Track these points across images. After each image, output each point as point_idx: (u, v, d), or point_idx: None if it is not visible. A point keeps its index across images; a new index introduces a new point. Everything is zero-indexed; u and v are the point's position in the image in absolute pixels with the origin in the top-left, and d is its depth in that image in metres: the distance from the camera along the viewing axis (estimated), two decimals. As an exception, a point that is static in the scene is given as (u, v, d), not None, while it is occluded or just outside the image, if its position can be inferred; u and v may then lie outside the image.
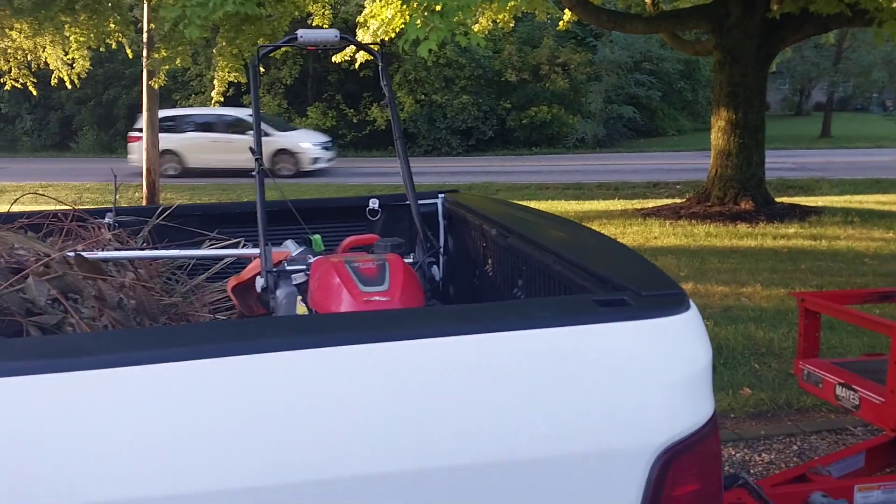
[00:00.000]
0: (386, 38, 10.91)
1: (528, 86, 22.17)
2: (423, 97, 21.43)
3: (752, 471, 3.35)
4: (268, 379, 1.01)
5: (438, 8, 4.53)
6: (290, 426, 1.00)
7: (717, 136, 9.52)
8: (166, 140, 15.41)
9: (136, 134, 15.94)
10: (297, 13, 11.91)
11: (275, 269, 2.13)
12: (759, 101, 9.41)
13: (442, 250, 2.68)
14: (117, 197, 2.83)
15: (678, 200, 10.82)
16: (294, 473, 1.00)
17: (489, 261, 2.19)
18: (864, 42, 25.10)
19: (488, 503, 1.06)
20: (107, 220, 2.58)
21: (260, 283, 2.14)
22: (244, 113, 17.69)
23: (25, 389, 0.96)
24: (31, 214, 2.48)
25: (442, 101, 21.54)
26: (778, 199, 10.12)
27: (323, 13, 12.16)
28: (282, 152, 16.78)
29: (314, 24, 12.38)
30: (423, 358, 1.06)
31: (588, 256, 1.55)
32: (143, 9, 11.83)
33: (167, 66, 11.73)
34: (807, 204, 10.29)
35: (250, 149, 2.41)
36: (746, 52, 9.10)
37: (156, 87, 12.03)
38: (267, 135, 16.25)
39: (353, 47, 11.13)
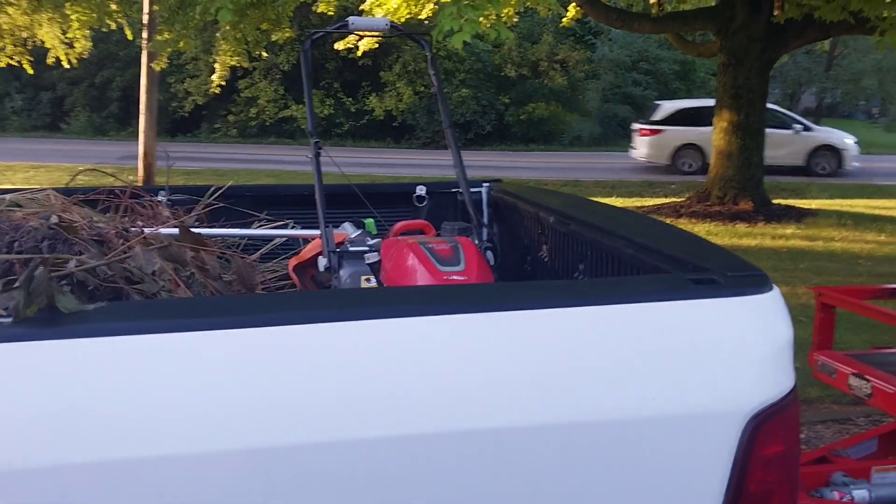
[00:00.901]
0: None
1: (526, 81, 22.25)
2: (422, 89, 21.45)
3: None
4: (452, 338, 1.13)
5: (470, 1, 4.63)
6: (445, 380, 1.11)
7: (719, 136, 9.67)
8: (688, 133, 15.02)
9: (648, 127, 15.66)
10: (302, -1, 11.90)
11: (338, 250, 2.22)
12: (760, 103, 9.58)
13: (495, 237, 2.77)
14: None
15: (677, 199, 10.98)
16: (434, 425, 1.10)
17: (543, 247, 2.28)
18: (856, 49, 25.42)
19: (602, 456, 1.16)
20: (160, 197, 2.65)
21: (322, 262, 2.23)
22: (776, 106, 16.62)
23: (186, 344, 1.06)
24: (85, 190, 2.54)
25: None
26: (774, 201, 10.30)
27: (328, 0, 12.20)
28: (823, 148, 15.93)
29: (319, 10, 12.42)
30: (549, 325, 1.17)
31: (659, 240, 1.66)
32: (143, -10, 11.81)
33: (170, 49, 11.72)
34: (802, 206, 10.48)
35: (308, 132, 2.50)
36: (750, 55, 9.26)
37: (157, 69, 12.02)
38: (808, 129, 15.73)
39: (352, 35, 11.20)
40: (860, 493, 2.46)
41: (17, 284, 1.10)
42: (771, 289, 1.31)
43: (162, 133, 17.62)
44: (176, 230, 1.88)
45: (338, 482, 1.07)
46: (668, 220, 9.29)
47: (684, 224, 9.14)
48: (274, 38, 12.41)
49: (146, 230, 1.90)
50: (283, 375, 1.07)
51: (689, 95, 26.85)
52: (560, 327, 1.18)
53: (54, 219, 1.68)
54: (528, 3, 11.30)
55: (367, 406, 1.08)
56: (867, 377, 2.96)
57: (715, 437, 1.20)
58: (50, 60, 13.02)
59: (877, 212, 10.62)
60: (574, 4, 11.13)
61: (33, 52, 12.90)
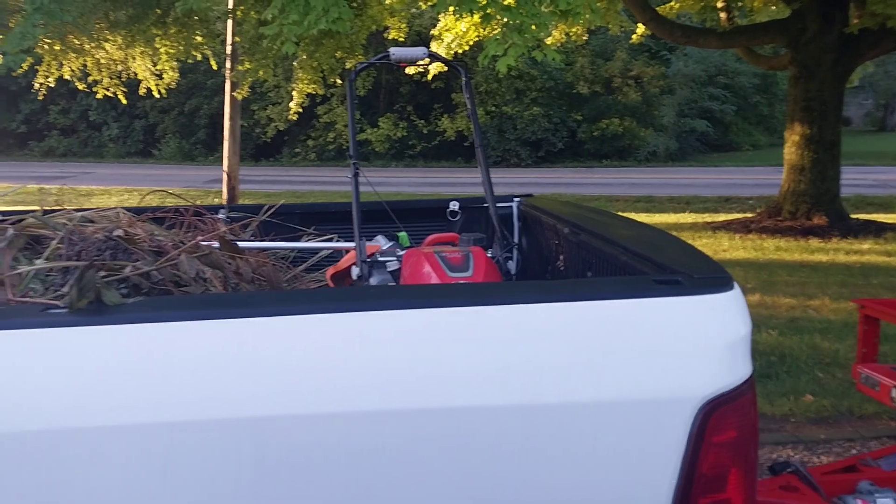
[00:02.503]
0: (460, 51, 11.25)
1: (599, 98, 22.23)
2: (493, 109, 21.72)
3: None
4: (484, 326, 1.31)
5: (516, 23, 4.79)
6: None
7: (791, 150, 9.49)
8: None
9: None
10: (374, 27, 12.34)
11: (368, 260, 2.42)
12: (834, 116, 9.36)
13: (516, 248, 2.93)
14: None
15: (749, 215, 10.80)
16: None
17: (561, 256, 2.43)
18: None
19: (565, 436, 1.30)
20: (220, 215, 2.93)
21: (355, 271, 2.43)
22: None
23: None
24: (154, 209, 2.83)
25: (512, 112, 21.78)
26: (853, 216, 10.01)
27: (399, 27, 12.56)
28: None
29: (390, 37, 12.81)
30: (527, 318, 1.33)
31: (650, 248, 1.79)
32: (226, 23, 12.44)
33: (251, 78, 12.31)
34: (884, 220, 10.14)
35: (349, 154, 2.72)
36: (823, 66, 9.08)
37: (239, 97, 12.64)
38: None
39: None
40: (885, 500, 2.47)
41: (70, 282, 1.33)
42: (732, 289, 1.42)
43: (246, 158, 18.42)
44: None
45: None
46: (737, 236, 9.16)
47: (753, 240, 8.99)
48: (348, 65, 12.89)
49: (191, 242, 2.15)
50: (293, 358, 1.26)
51: (770, 108, 26.28)
52: (534, 320, 1.33)
53: (119, 232, 1.93)
54: (598, 23, 11.38)
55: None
56: (910, 390, 2.96)
57: (669, 421, 1.32)
58: (142, 91, 13.84)
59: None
60: (640, 26, 11.17)
61: (126, 84, 13.76)
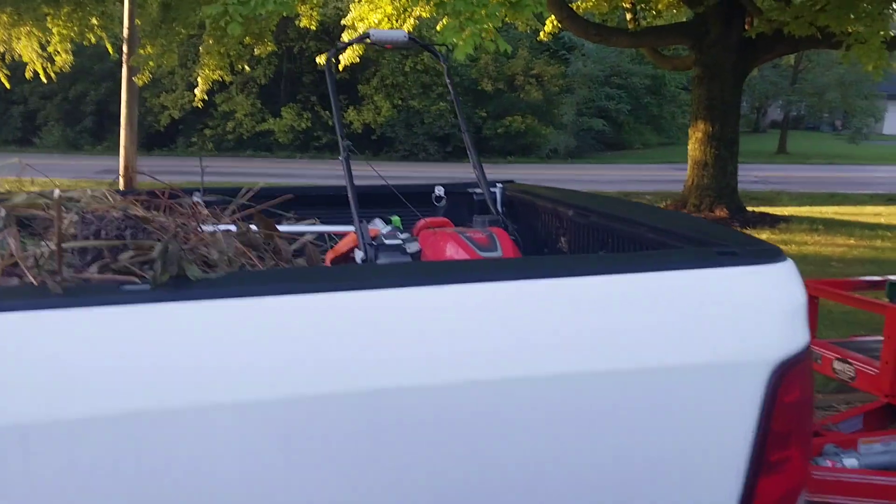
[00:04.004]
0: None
1: (503, 95, 22.61)
2: (400, 102, 21.71)
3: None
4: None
5: (476, 14, 4.83)
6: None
7: (695, 147, 10.00)
8: None
9: None
10: (284, 13, 12.13)
11: (374, 243, 2.40)
12: (734, 115, 9.93)
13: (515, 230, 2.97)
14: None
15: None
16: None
17: (562, 239, 2.49)
18: (819, 64, 26.17)
19: (650, 401, 1.36)
20: (195, 198, 2.81)
21: (359, 255, 2.40)
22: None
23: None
24: (124, 192, 2.69)
25: (420, 106, 21.84)
26: (749, 209, 10.65)
27: (311, 15, 12.37)
28: None
29: (302, 24, 12.60)
30: (607, 288, 1.37)
31: (675, 224, 1.87)
32: (124, 4, 11.86)
33: (153, 63, 11.80)
34: (776, 213, 10.84)
35: (340, 137, 2.69)
36: (724, 68, 9.60)
37: (140, 83, 12.09)
38: None
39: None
40: (850, 461, 2.70)
41: (154, 256, 1.27)
42: (785, 259, 1.52)
43: (138, 147, 17.63)
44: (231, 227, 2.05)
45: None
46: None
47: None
48: (257, 52, 12.57)
49: (206, 227, 2.07)
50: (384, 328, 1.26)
51: (659, 109, 27.49)
52: (616, 291, 1.38)
53: (131, 211, 1.84)
54: (507, 18, 11.57)
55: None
56: (850, 361, 3.20)
57: (749, 382, 1.40)
58: (28, 74, 13.01)
59: (846, 217, 11.03)
60: (552, 19, 11.42)
61: (9, 67, 12.90)
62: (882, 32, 7.84)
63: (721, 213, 9.83)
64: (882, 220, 10.80)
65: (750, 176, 18.55)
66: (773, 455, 1.43)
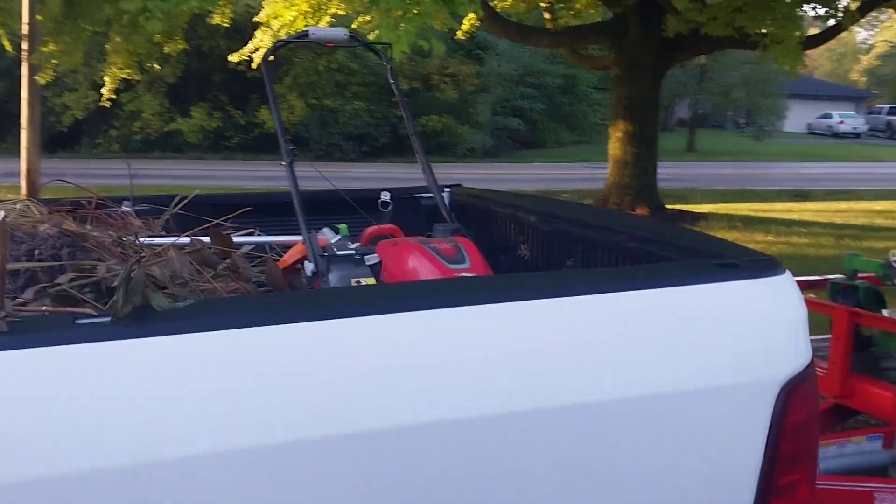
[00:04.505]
0: (290, 41, 10.87)
1: (419, 95, 22.51)
2: (314, 101, 21.31)
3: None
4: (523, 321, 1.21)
5: (410, 13, 4.71)
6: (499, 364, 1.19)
7: (615, 146, 10.14)
8: None
9: None
10: (208, 9, 11.70)
11: (325, 254, 2.24)
12: (653, 114, 10.13)
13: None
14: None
15: (576, 207, 11.40)
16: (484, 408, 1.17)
17: (522, 245, 2.38)
18: (725, 64, 27.18)
19: (655, 428, 1.26)
20: (125, 207, 2.58)
21: (309, 267, 2.23)
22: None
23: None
24: (49, 202, 2.44)
25: (334, 105, 21.51)
26: (667, 206, 10.89)
27: (223, 12, 11.99)
28: None
29: (214, 22, 12.19)
30: (599, 308, 1.26)
31: (656, 232, 1.79)
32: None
33: (55, 61, 11.15)
34: (693, 210, 11.12)
35: (284, 139, 2.51)
36: (643, 67, 9.77)
37: (42, 81, 11.40)
38: None
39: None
40: None
41: (115, 284, 1.10)
42: (785, 271, 1.45)
43: (40, 149, 16.67)
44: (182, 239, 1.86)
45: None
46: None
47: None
48: (167, 50, 12.04)
49: (146, 239, 1.87)
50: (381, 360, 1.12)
51: (572, 108, 27.97)
52: (606, 309, 1.27)
53: (68, 226, 1.63)
54: (479, 12, 11.44)
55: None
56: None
57: (756, 403, 1.32)
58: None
59: (761, 214, 11.42)
60: (469, 17, 11.39)
61: None
62: (798, 33, 8.11)
63: (642, 210, 10.00)
64: (795, 217, 11.23)
65: (662, 174, 19.08)
66: (781, 479, 1.36)
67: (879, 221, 10.92)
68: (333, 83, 21.74)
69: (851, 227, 10.20)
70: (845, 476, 2.77)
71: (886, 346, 3.33)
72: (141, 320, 1.06)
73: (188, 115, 21.65)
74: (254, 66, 11.99)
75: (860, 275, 3.70)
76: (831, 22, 9.10)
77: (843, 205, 13.57)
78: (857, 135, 38.20)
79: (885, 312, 3.42)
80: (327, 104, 21.56)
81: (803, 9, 9.00)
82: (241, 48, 11.46)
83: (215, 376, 1.05)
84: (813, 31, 10.32)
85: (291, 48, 13.40)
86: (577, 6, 11.14)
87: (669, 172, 19.60)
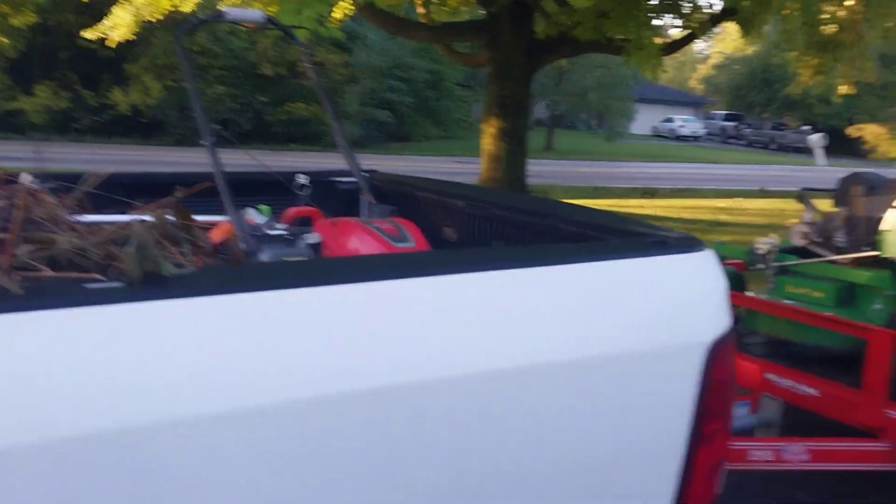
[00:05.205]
0: (153, 20, 10.49)
1: (285, 81, 22.08)
2: (172, 84, 20.38)
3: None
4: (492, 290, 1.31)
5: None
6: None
7: (489, 142, 10.46)
8: None
9: None
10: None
11: (256, 234, 2.25)
12: (523, 112, 10.52)
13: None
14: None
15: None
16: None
17: (447, 229, 2.49)
18: (581, 66, 28.50)
19: (604, 386, 1.41)
20: (34, 184, 2.47)
21: (241, 246, 2.24)
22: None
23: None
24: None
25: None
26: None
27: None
28: None
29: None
30: (551, 279, 1.39)
31: (589, 216, 1.96)
32: None
33: None
34: (559, 205, 11.63)
35: (204, 120, 2.49)
36: (515, 66, 10.12)
37: None
38: None
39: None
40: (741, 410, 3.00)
41: (128, 249, 1.12)
42: (706, 248, 1.66)
43: None
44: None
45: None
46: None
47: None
48: (16, 22, 11.21)
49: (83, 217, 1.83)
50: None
51: (439, 104, 28.36)
52: (557, 282, 1.41)
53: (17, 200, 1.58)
54: (381, 3, 11.26)
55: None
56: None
57: (687, 364, 1.51)
58: None
59: (616, 209, 12.12)
60: (342, 6, 11.32)
61: None
62: (658, 40, 8.70)
63: (512, 204, 10.37)
64: (647, 212, 12.02)
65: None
66: (707, 428, 1.56)
67: (723, 217, 11.91)
68: (194, 66, 20.89)
69: (699, 223, 11.07)
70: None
71: (751, 323, 3.74)
72: (152, 285, 1.10)
73: (32, 93, 20.12)
74: (109, 43, 11.38)
75: (727, 261, 4.11)
76: (675, 31, 9.85)
77: (689, 202, 14.65)
78: (696, 138, 41.23)
79: (748, 293, 3.83)
80: (187, 87, 20.65)
81: (662, 18, 9.68)
82: (94, 25, 10.86)
83: (226, 338, 1.10)
84: (666, 39, 11.07)
85: (148, 27, 12.75)
86: (451, 3, 11.37)
87: (531, 169, 20.26)
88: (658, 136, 41.84)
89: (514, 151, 10.41)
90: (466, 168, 17.20)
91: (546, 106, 31.41)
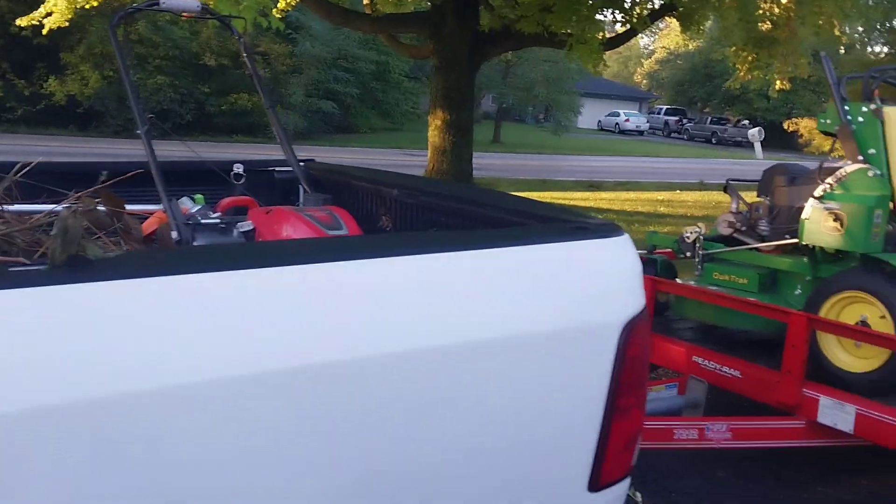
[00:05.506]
0: (87, 6, 10.27)
1: (228, 72, 21.74)
2: (111, 73, 19.89)
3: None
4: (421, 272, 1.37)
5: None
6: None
7: (434, 134, 10.51)
8: None
9: None
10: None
11: (189, 222, 2.27)
12: (468, 104, 10.59)
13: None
14: None
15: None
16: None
17: (383, 217, 2.54)
18: (527, 60, 28.74)
19: (528, 361, 1.48)
20: None
21: (174, 235, 2.25)
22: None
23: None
24: None
25: (135, 79, 20.15)
26: (480, 193, 11.42)
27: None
28: None
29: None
30: (477, 262, 1.46)
31: (516, 204, 2.04)
32: None
33: None
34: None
35: (138, 110, 2.49)
36: (459, 59, 10.19)
37: None
38: None
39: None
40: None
41: (53, 233, 1.14)
42: (623, 233, 1.74)
43: None
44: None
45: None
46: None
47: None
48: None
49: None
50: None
51: (384, 95, 28.27)
52: (484, 265, 1.48)
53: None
54: None
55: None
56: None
57: (604, 341, 1.59)
58: None
59: (561, 202, 12.30)
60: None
61: None
62: (600, 35, 8.86)
63: (458, 196, 10.45)
64: (591, 205, 12.24)
65: (473, 163, 19.94)
66: (621, 402, 1.64)
67: (662, 209, 12.20)
68: (134, 55, 20.43)
69: (639, 214, 11.32)
70: (649, 417, 3.22)
71: (680, 309, 3.88)
72: (76, 268, 1.12)
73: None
74: (44, 31, 11.08)
75: (658, 250, 4.25)
76: (619, 27, 10.03)
77: (631, 195, 14.96)
78: (640, 132, 41.95)
79: (677, 280, 3.97)
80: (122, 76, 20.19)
81: (604, 12, 9.86)
82: (27, 12, 10.57)
83: (146, 318, 1.13)
84: (605, 34, 11.26)
85: (84, 15, 12.42)
86: (396, -6, 11.37)
87: (478, 162, 20.36)
88: (604, 130, 42.47)
89: (459, 144, 10.48)
90: (414, 160, 17.23)
91: (494, 99, 31.59)
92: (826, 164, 3.49)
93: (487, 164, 20.20)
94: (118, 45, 2.64)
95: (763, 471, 3.40)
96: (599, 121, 42.91)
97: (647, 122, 43.69)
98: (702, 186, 17.35)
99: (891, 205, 3.32)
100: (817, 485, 3.35)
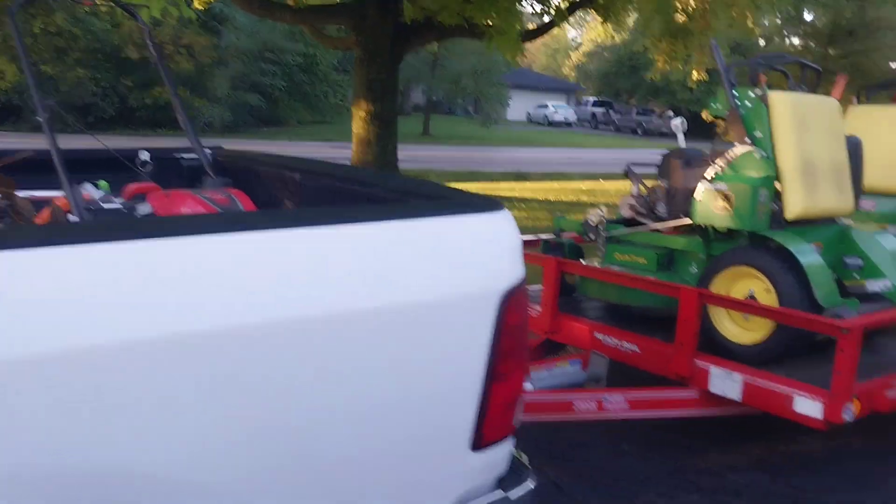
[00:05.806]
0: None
1: (151, 65, 21.19)
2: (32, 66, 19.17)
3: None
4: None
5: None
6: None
7: (358, 125, 10.52)
8: None
9: None
10: None
11: (91, 207, 2.28)
12: (391, 96, 10.63)
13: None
14: None
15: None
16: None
17: (286, 200, 2.60)
18: (455, 53, 28.89)
19: (393, 337, 1.56)
20: None
21: (74, 220, 2.26)
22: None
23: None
24: None
25: (54, 73, 19.56)
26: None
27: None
28: None
29: None
30: (365, 235, 1.55)
31: (409, 184, 2.13)
32: None
33: None
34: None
35: (38, 95, 2.48)
36: (382, 50, 10.21)
37: None
38: None
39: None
40: (525, 385, 3.25)
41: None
42: (503, 209, 1.86)
43: None
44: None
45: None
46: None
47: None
48: None
49: None
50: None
51: (312, 88, 28.02)
52: (367, 238, 1.57)
53: None
54: None
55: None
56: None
57: (484, 309, 1.70)
58: None
59: (488, 192, 12.47)
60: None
61: None
62: (518, 26, 9.01)
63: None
64: (516, 195, 12.46)
65: (401, 155, 19.89)
66: (501, 368, 1.76)
67: (584, 199, 12.50)
68: (52, 48, 19.77)
69: (562, 203, 11.58)
70: (553, 391, 3.37)
71: (585, 290, 4.04)
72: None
73: None
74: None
75: (565, 233, 4.41)
76: (546, 18, 10.23)
77: (556, 184, 15.26)
78: (568, 124, 42.64)
79: (582, 262, 4.13)
80: (46, 70, 19.55)
81: (523, 4, 10.03)
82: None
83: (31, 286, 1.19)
84: (532, 25, 11.46)
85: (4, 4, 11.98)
86: (318, -15, 11.31)
87: (407, 154, 20.46)
88: (533, 122, 43.00)
89: (383, 135, 10.53)
90: (340, 153, 17.17)
91: (423, 91, 31.65)
92: (716, 147, 3.69)
93: (416, 155, 20.27)
94: (17, 30, 2.62)
95: (663, 441, 3.58)
96: (529, 113, 43.43)
97: (576, 113, 44.44)
98: (625, 176, 17.76)
99: (775, 185, 3.53)
100: (711, 452, 3.55)
